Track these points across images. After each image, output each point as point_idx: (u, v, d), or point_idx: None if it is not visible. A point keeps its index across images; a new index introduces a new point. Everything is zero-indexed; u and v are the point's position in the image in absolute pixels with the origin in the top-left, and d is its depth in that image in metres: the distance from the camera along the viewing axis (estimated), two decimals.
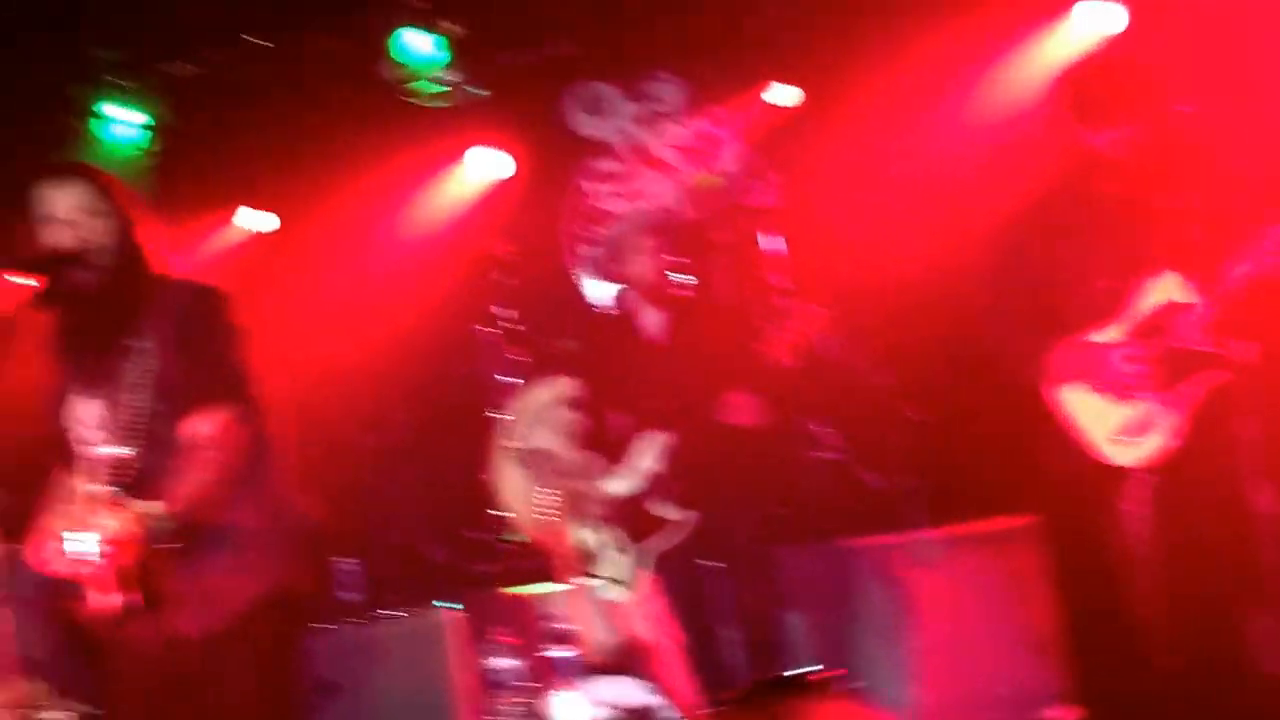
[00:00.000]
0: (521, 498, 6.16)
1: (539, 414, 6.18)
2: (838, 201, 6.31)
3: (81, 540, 3.10)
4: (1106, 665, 3.88)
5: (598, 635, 4.39)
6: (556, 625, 4.45)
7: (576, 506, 5.04)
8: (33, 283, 3.19)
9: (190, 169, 6.96)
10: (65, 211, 3.29)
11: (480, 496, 6.23)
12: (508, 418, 6.18)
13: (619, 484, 4.70)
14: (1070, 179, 3.95)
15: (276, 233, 7.27)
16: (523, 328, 6.44)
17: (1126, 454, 3.79)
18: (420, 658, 5.32)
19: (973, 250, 4.47)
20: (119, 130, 6.90)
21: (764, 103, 6.80)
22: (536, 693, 4.07)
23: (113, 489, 3.16)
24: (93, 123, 6.81)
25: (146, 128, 6.96)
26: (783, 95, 6.76)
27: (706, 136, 7.02)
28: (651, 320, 4.84)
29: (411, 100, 6.88)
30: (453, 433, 6.52)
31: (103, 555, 3.06)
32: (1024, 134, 5.65)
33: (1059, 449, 3.88)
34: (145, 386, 3.23)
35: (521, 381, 6.37)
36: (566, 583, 4.80)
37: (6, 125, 6.33)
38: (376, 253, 7.02)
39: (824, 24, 6.43)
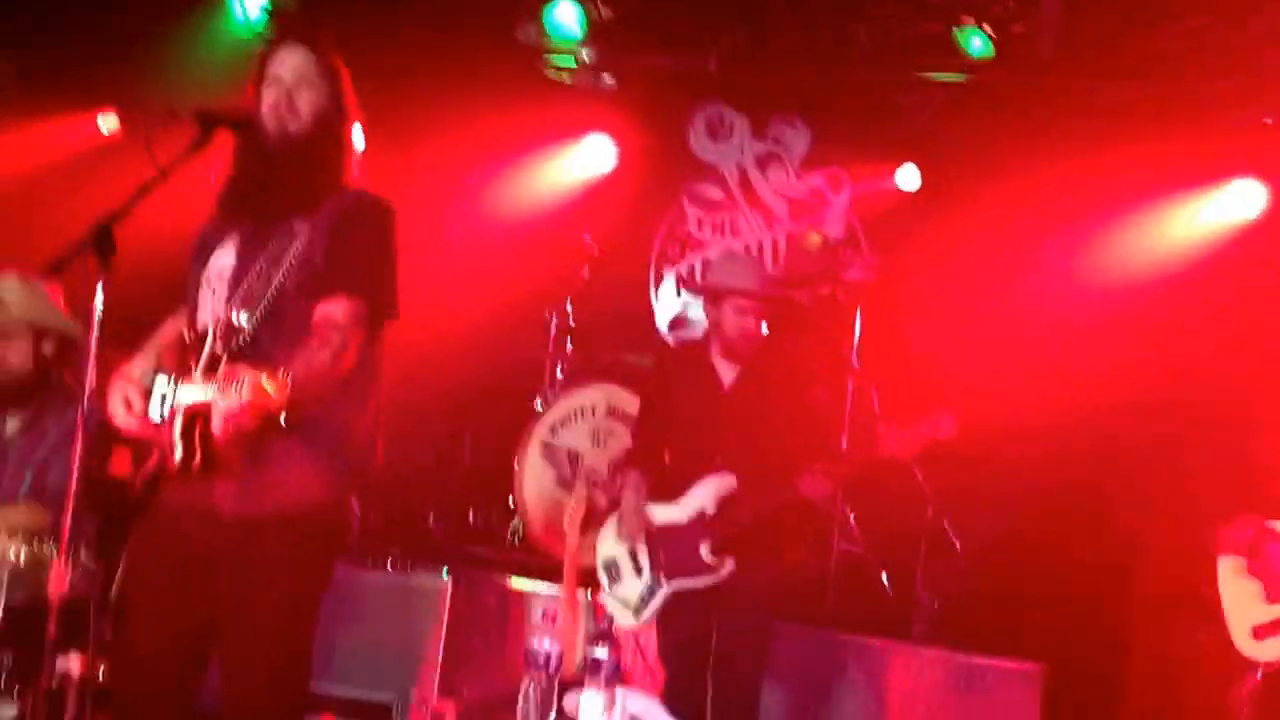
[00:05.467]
0: (537, 491, 6.08)
1: (577, 414, 6.11)
2: (935, 297, 6.22)
3: (164, 393, 3.02)
4: None
5: (579, 647, 4.32)
6: (601, 625, 4.35)
7: (596, 517, 4.95)
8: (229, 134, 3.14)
9: None
10: (285, 73, 3.22)
11: (496, 482, 6.14)
12: (547, 410, 6.10)
13: (663, 513, 4.60)
14: None
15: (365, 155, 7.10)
16: (588, 328, 6.35)
17: (1261, 650, 3.67)
18: (405, 616, 5.23)
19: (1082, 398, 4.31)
20: (244, 7, 6.80)
21: (886, 180, 6.73)
22: (564, 684, 3.98)
23: (219, 350, 3.06)
24: None
25: (267, 12, 6.85)
26: (907, 178, 6.69)
27: (819, 195, 6.94)
28: (724, 368, 4.73)
29: (542, 69, 6.80)
30: (490, 413, 6.41)
31: (181, 414, 2.97)
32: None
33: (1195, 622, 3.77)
34: (286, 262, 3.16)
35: (573, 378, 6.28)
36: (560, 585, 4.72)
37: None
38: (461, 210, 6.89)
39: (973, 123, 6.34)
